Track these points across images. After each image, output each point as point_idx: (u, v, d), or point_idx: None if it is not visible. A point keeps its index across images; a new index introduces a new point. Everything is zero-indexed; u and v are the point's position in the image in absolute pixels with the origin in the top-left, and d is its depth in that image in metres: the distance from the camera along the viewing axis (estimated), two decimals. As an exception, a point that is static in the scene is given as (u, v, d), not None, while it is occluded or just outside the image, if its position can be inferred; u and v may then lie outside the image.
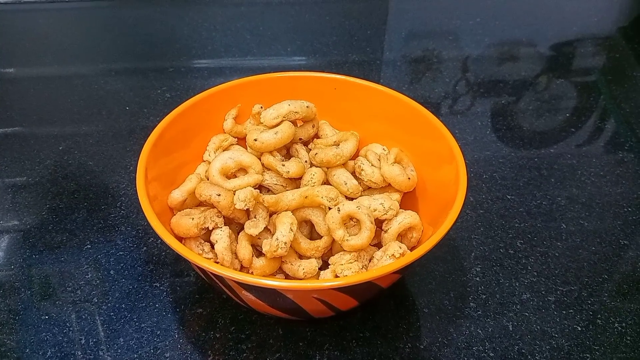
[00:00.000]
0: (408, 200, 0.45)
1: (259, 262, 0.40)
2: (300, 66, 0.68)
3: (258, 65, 0.70)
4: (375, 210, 0.40)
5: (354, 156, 0.46)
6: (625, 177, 0.55)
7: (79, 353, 0.40)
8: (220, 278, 0.37)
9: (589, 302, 0.44)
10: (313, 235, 0.43)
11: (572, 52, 0.73)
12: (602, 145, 0.60)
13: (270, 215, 0.41)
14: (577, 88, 0.67)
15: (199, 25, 0.76)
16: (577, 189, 0.54)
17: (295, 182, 0.44)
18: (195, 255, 0.35)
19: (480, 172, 0.55)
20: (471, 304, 0.44)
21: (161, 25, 0.76)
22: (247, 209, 0.40)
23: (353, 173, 0.44)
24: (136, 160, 0.41)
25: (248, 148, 0.45)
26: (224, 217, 0.40)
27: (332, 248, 0.41)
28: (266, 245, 0.38)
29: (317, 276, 0.40)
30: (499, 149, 0.58)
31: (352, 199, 0.42)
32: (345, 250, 0.39)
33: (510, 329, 0.42)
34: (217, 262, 0.39)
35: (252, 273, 0.40)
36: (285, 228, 0.38)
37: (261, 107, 0.47)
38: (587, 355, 0.41)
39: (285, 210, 0.40)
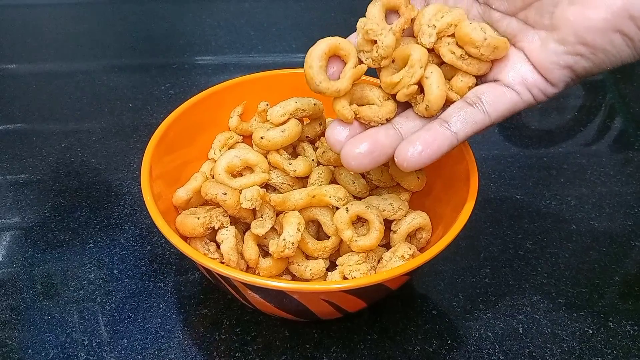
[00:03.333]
0: (416, 200, 0.44)
1: (265, 263, 0.39)
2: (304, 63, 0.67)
3: (262, 62, 0.69)
4: (384, 210, 0.40)
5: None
6: (635, 177, 0.54)
7: (82, 354, 0.40)
8: (226, 279, 0.36)
9: (600, 304, 0.44)
10: (320, 235, 0.42)
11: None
12: (611, 145, 0.59)
13: (277, 215, 0.40)
14: (585, 86, 0.66)
15: (203, 21, 0.75)
16: (586, 189, 0.53)
17: (302, 181, 0.43)
18: (201, 255, 0.35)
19: (488, 172, 0.54)
20: (480, 305, 0.43)
21: (164, 21, 0.75)
22: (254, 208, 0.39)
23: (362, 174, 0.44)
24: (139, 157, 0.40)
25: (254, 146, 0.44)
26: (229, 216, 0.39)
27: (340, 248, 0.41)
28: (273, 246, 0.37)
29: (324, 277, 0.40)
30: (507, 148, 0.58)
31: (359, 199, 0.42)
32: (353, 251, 0.39)
33: (521, 331, 0.42)
34: (223, 263, 0.38)
35: (258, 274, 0.39)
36: (292, 228, 0.37)
37: (267, 105, 0.46)
38: (599, 358, 0.40)
39: (293, 210, 0.39)
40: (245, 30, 0.74)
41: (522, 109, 0.34)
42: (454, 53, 0.34)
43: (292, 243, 0.37)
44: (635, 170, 0.55)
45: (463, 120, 0.33)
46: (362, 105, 0.36)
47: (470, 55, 0.33)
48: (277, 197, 0.39)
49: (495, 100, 0.33)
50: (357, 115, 0.35)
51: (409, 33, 0.36)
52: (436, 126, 0.33)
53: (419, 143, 0.33)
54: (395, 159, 0.33)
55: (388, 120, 0.35)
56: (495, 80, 0.34)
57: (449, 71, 0.35)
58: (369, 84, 0.37)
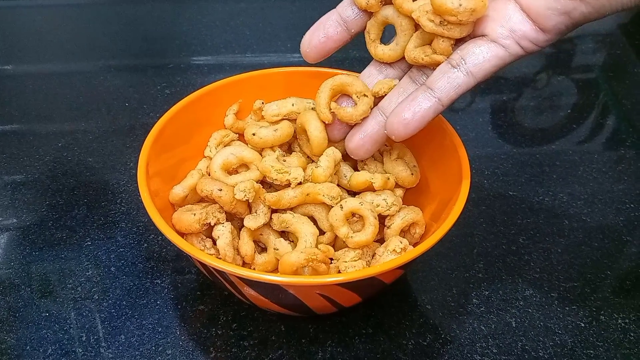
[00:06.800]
0: (410, 196, 0.45)
1: (261, 259, 0.40)
2: (300, 63, 0.67)
3: (258, 61, 0.69)
4: (378, 206, 0.40)
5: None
6: (627, 174, 0.55)
7: (80, 350, 0.40)
8: (223, 274, 0.36)
9: (592, 298, 0.44)
10: (315, 231, 0.42)
11: (573, 48, 0.72)
12: (604, 142, 0.60)
13: (273, 212, 0.40)
14: (578, 85, 0.67)
15: (199, 21, 0.75)
16: (579, 186, 0.53)
17: (297, 177, 0.44)
18: (198, 251, 0.35)
19: (482, 169, 0.55)
20: (474, 300, 0.44)
21: (160, 21, 0.76)
22: (249, 205, 0.40)
23: (355, 168, 0.44)
24: (136, 156, 0.40)
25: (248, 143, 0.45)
26: (225, 212, 0.40)
27: (335, 244, 0.41)
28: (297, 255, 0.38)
29: (320, 272, 0.40)
30: (501, 145, 0.58)
31: (353, 194, 0.42)
32: (349, 247, 0.39)
33: (514, 325, 0.42)
34: (219, 258, 0.39)
35: (254, 269, 0.40)
36: (309, 239, 0.38)
37: (262, 103, 0.46)
38: (591, 351, 0.41)
39: (287, 208, 0.40)
40: (241, 30, 0.74)
41: (510, 63, 0.34)
42: (433, 21, 0.34)
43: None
44: (627, 167, 0.56)
45: (447, 85, 0.34)
46: (342, 104, 0.40)
47: (449, 22, 0.34)
48: (272, 196, 0.39)
49: (481, 59, 0.33)
50: (338, 116, 0.40)
51: (388, 1, 0.37)
52: (421, 95, 0.35)
53: (404, 114, 0.35)
54: (386, 132, 0.37)
55: (363, 120, 0.39)
56: (482, 36, 0.34)
57: (430, 35, 0.35)
58: (349, 77, 0.40)
